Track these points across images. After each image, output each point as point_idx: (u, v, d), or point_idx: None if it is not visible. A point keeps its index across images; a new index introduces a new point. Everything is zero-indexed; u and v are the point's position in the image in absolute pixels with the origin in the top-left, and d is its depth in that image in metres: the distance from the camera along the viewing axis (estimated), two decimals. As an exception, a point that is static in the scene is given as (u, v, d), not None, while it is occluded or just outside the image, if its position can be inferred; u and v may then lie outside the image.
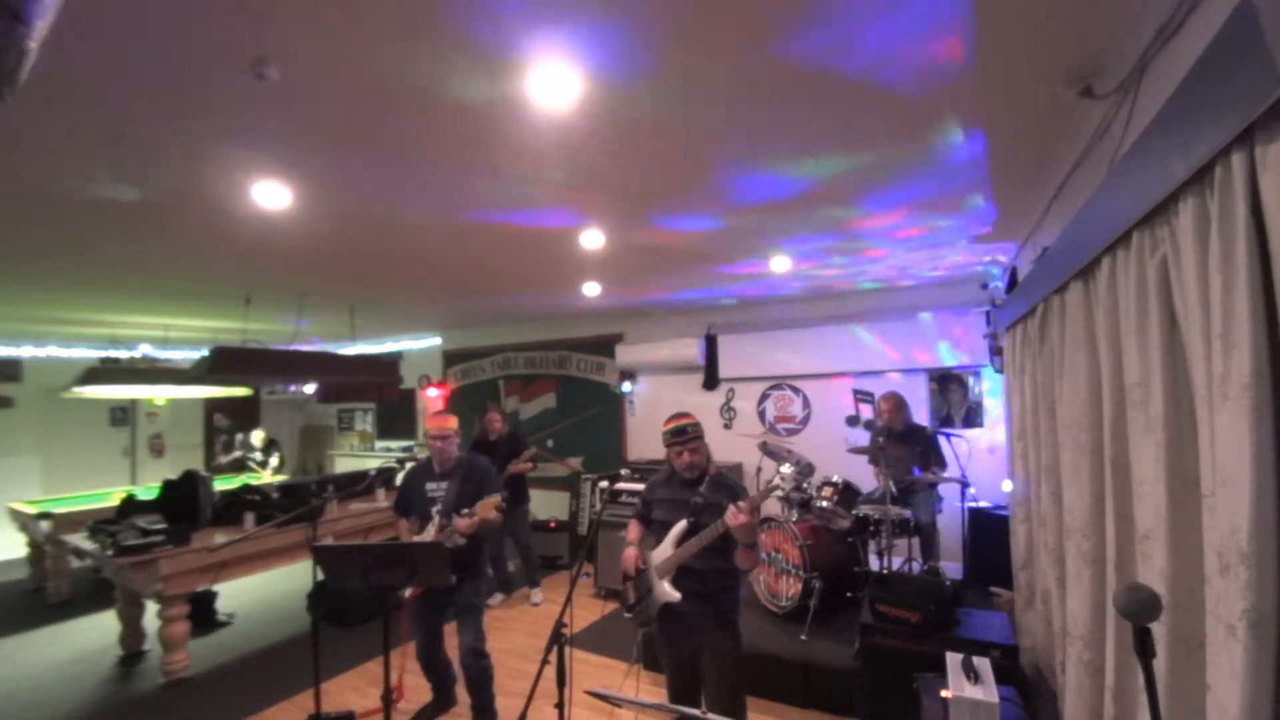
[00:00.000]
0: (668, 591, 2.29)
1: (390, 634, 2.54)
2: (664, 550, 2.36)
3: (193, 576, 3.78)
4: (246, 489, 4.88)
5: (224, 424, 9.12)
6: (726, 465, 5.57)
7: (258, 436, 7.62)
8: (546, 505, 6.79)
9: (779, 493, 2.14)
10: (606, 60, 1.68)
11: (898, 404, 4.41)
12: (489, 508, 2.86)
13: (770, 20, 1.53)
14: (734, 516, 2.08)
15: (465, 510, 2.89)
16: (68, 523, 4.95)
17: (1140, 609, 0.97)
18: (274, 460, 7.47)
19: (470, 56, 1.64)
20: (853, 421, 5.50)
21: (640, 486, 2.94)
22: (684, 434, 2.36)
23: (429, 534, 2.97)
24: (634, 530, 2.59)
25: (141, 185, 2.46)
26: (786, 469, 2.16)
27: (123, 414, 8.46)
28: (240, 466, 7.44)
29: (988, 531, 4.19)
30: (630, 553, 2.48)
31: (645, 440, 6.59)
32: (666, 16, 1.51)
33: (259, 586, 5.32)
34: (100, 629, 4.59)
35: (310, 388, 8.41)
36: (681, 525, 2.32)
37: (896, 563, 3.89)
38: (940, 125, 2.17)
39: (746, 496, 2.33)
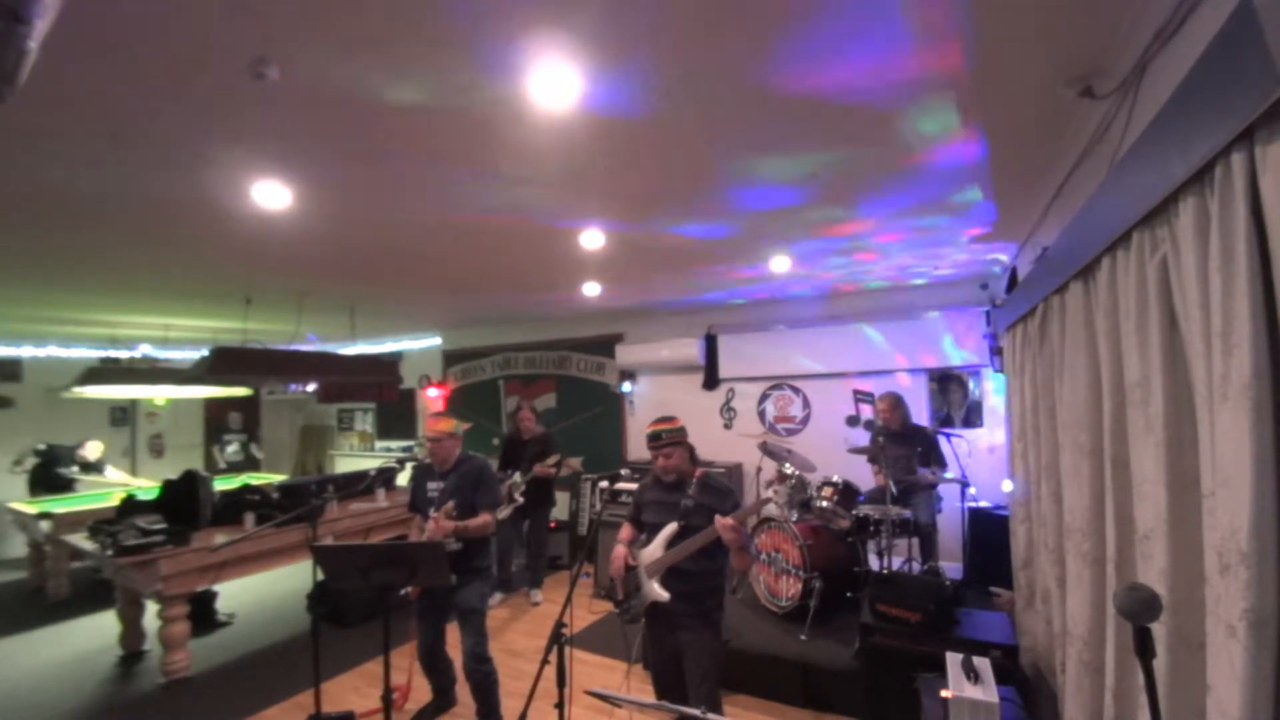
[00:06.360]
0: (657, 591, 2.34)
1: (390, 634, 2.54)
2: (654, 551, 2.40)
3: (193, 576, 3.77)
4: (247, 489, 4.88)
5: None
6: (726, 465, 5.60)
7: (94, 449, 6.40)
8: (546, 505, 6.78)
9: (772, 506, 2.17)
10: (603, 67, 1.68)
11: (894, 403, 4.40)
12: (446, 513, 2.82)
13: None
14: (724, 529, 2.17)
15: (434, 514, 2.87)
16: (68, 523, 4.94)
17: (1140, 609, 0.97)
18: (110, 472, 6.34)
19: (470, 56, 1.64)
20: (853, 421, 5.49)
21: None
22: (658, 439, 2.43)
23: (426, 534, 2.97)
24: (626, 531, 2.65)
25: (141, 185, 2.45)
26: (779, 479, 2.18)
27: (123, 414, 8.45)
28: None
29: (988, 531, 4.18)
30: (620, 550, 2.54)
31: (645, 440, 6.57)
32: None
33: (259, 586, 5.30)
34: (100, 629, 4.58)
35: (310, 387, 8.30)
36: (672, 527, 2.37)
37: (896, 563, 3.88)
38: (937, 125, 2.17)
39: (734, 498, 2.39)
